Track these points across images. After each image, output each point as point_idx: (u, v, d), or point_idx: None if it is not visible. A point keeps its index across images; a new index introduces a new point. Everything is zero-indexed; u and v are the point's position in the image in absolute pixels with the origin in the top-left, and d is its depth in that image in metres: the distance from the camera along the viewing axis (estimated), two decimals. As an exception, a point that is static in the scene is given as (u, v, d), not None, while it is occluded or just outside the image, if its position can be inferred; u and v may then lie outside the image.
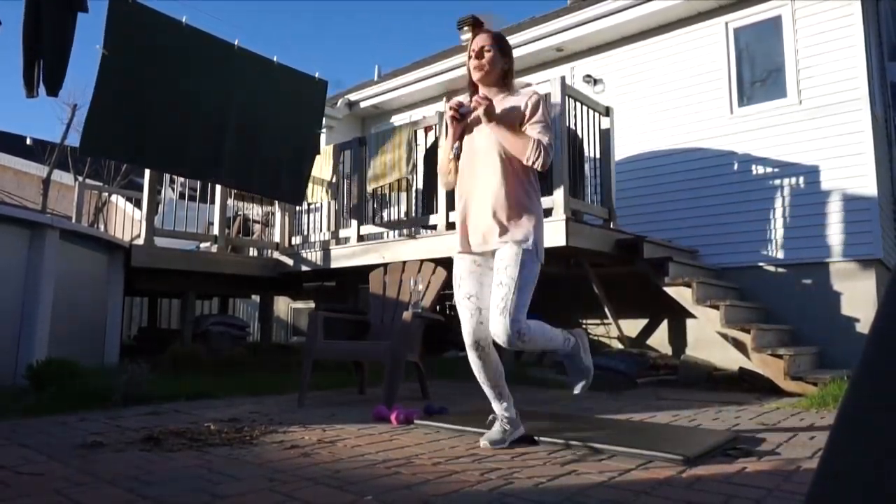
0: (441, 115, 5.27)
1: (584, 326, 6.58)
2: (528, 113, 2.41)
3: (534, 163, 2.34)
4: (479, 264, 2.47)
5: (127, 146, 5.20)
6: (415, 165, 5.74)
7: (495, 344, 2.37)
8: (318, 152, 6.55)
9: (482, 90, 2.49)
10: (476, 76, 2.50)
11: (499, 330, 2.25)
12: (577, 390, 2.55)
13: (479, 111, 2.38)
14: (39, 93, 4.60)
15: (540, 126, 2.39)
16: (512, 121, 2.41)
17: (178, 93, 5.40)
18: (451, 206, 5.12)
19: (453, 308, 5.95)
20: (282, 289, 7.91)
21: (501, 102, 2.47)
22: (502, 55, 2.50)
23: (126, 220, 9.36)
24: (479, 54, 2.47)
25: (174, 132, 5.40)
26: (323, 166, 6.58)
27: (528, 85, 2.43)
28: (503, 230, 2.37)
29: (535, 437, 2.49)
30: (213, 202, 6.78)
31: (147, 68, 5.17)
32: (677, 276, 4.89)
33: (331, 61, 54.49)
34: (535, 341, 2.35)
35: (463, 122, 2.51)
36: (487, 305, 2.39)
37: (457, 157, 2.53)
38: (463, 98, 2.52)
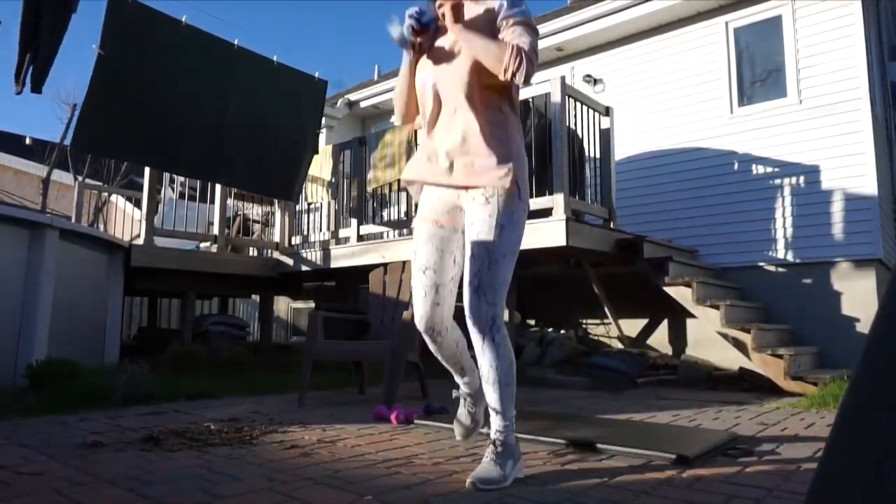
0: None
1: (584, 326, 6.58)
2: (502, 10, 1.90)
3: (514, 74, 1.82)
4: (443, 225, 2.02)
5: (120, 144, 5.19)
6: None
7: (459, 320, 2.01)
8: (317, 152, 6.55)
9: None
10: None
11: (472, 310, 1.86)
12: (469, 480, 1.82)
13: (446, 9, 1.92)
14: (25, 89, 4.60)
15: (519, 27, 1.87)
16: (484, 26, 1.92)
17: (177, 92, 5.40)
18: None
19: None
20: (282, 289, 7.90)
21: (474, 9, 1.98)
22: None
23: (126, 219, 9.37)
24: None
25: (172, 131, 5.39)
26: (323, 166, 6.58)
27: None
28: (474, 166, 1.92)
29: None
30: (212, 202, 6.78)
31: (145, 67, 5.16)
32: (677, 275, 4.89)
33: (331, 61, 54.50)
34: (501, 355, 1.88)
35: (425, 34, 2.01)
36: (447, 282, 2.02)
37: (419, 50, 2.02)
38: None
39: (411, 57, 2.07)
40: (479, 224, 1.90)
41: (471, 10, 1.99)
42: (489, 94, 1.95)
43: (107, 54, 4.86)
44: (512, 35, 1.87)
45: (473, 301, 1.87)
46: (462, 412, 2.24)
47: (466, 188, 1.98)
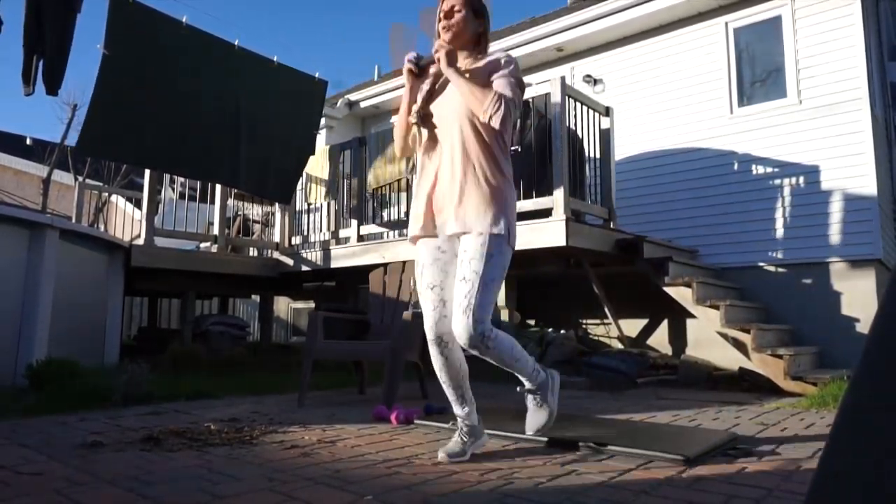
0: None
1: (584, 326, 6.58)
2: (494, 66, 2.17)
3: (491, 117, 2.06)
4: (445, 251, 2.24)
5: (125, 146, 5.20)
6: (415, 165, 5.74)
7: None
8: (313, 152, 6.55)
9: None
10: (446, 37, 2.21)
11: (461, 330, 2.04)
12: (529, 431, 2.27)
13: (441, 54, 2.13)
14: (36, 90, 4.60)
15: (505, 80, 2.12)
16: (480, 78, 2.15)
17: (178, 93, 5.40)
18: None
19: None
20: (282, 289, 7.91)
21: (473, 66, 2.22)
22: (475, 16, 2.23)
23: (126, 220, 9.37)
24: (449, 14, 2.20)
25: (173, 132, 5.40)
26: (322, 166, 6.58)
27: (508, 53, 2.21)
28: (467, 214, 2.12)
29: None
30: (213, 202, 6.78)
31: (147, 68, 5.17)
32: (677, 276, 4.89)
33: (331, 61, 54.52)
34: (502, 352, 2.10)
35: (422, 78, 2.26)
36: (452, 297, 2.19)
37: (421, 120, 2.25)
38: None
39: (409, 86, 2.27)
40: (472, 252, 2.10)
41: (472, 63, 2.24)
42: (485, 141, 2.16)
43: (111, 54, 4.87)
44: (499, 85, 2.12)
45: (462, 320, 2.05)
46: (455, 440, 2.25)
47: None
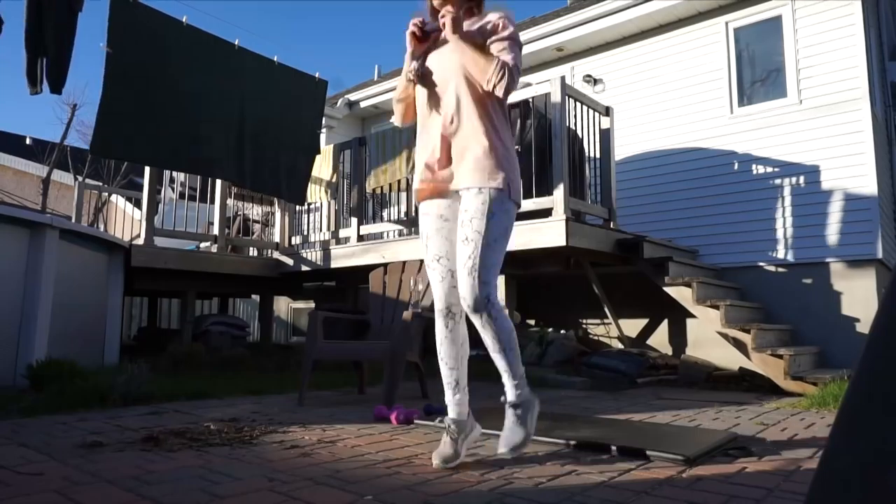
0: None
1: (584, 326, 6.58)
2: (492, 28, 2.13)
3: (495, 87, 2.05)
4: (447, 218, 2.21)
5: (138, 146, 5.20)
6: (415, 165, 5.73)
7: (468, 322, 2.16)
8: (319, 152, 6.55)
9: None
10: (437, 1, 2.16)
11: (465, 291, 2.01)
12: (502, 449, 2.08)
13: (447, 20, 2.07)
14: (43, 89, 4.59)
15: (505, 43, 2.10)
16: (477, 39, 2.12)
17: (180, 92, 5.40)
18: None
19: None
20: (282, 289, 7.91)
21: (469, 26, 2.18)
22: None
23: (126, 219, 9.37)
24: None
25: (178, 131, 5.40)
26: (323, 166, 6.58)
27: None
28: (466, 170, 2.12)
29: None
30: (212, 202, 6.78)
31: (149, 68, 5.17)
32: (677, 275, 4.89)
33: (331, 61, 54.50)
34: (502, 329, 2.06)
35: (425, 43, 2.23)
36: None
37: (419, 79, 2.23)
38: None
39: (412, 49, 2.24)
40: (473, 211, 2.08)
41: (469, 25, 2.18)
42: (482, 101, 2.14)
43: (115, 52, 4.88)
44: (498, 49, 2.09)
45: (468, 281, 2.02)
46: (445, 440, 2.13)
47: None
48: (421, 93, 2.26)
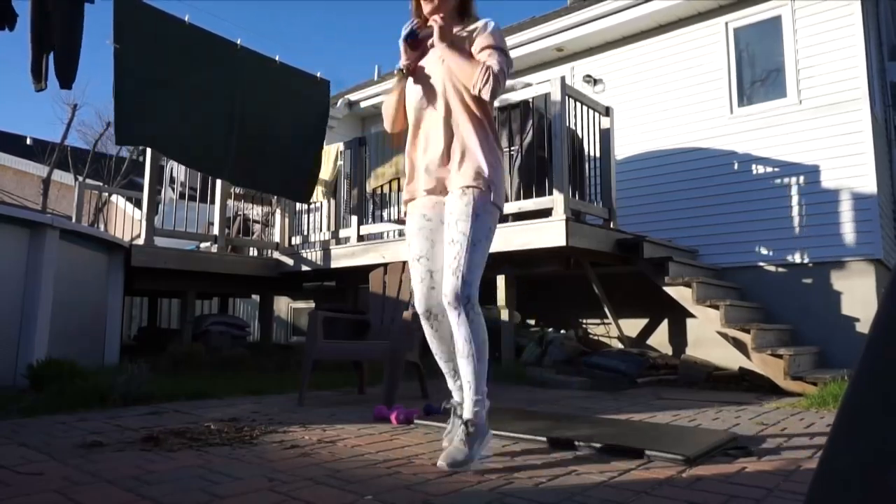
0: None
1: (584, 326, 6.58)
2: (478, 35, 2.18)
3: (480, 91, 2.09)
4: (430, 218, 2.27)
5: (158, 134, 5.28)
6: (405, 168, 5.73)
7: None
8: (321, 150, 6.55)
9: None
10: (427, 9, 2.21)
11: (448, 289, 2.06)
12: (441, 462, 2.01)
13: (435, 28, 2.15)
14: (48, 85, 4.57)
15: (490, 49, 2.13)
16: (464, 46, 2.19)
17: (182, 91, 5.41)
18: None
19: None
20: (282, 289, 7.91)
21: (457, 33, 2.24)
22: None
23: (126, 220, 9.38)
24: None
25: (182, 130, 5.41)
26: (323, 166, 6.58)
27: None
28: (451, 173, 2.18)
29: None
30: (212, 202, 6.78)
31: (154, 66, 5.18)
32: (677, 275, 4.89)
33: (331, 61, 54.52)
34: (478, 332, 2.06)
35: (418, 49, 2.30)
36: (440, 268, 2.21)
37: (409, 74, 2.30)
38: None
39: (401, 72, 2.33)
40: (458, 213, 2.12)
41: (457, 32, 2.24)
42: (468, 106, 2.19)
43: (122, 47, 4.90)
44: (484, 55, 2.13)
45: (451, 281, 2.07)
46: (456, 422, 2.16)
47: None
48: (410, 97, 2.32)
